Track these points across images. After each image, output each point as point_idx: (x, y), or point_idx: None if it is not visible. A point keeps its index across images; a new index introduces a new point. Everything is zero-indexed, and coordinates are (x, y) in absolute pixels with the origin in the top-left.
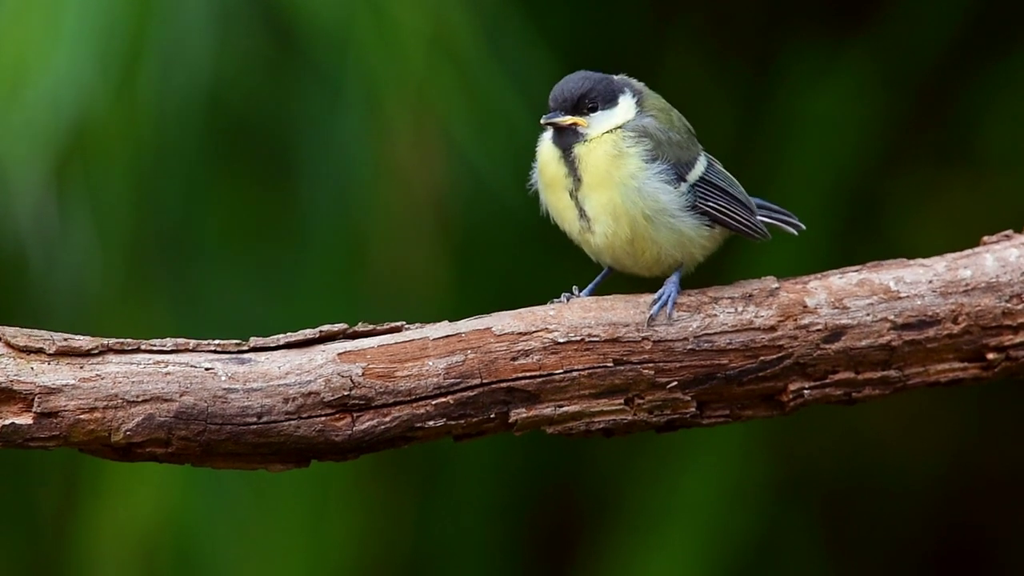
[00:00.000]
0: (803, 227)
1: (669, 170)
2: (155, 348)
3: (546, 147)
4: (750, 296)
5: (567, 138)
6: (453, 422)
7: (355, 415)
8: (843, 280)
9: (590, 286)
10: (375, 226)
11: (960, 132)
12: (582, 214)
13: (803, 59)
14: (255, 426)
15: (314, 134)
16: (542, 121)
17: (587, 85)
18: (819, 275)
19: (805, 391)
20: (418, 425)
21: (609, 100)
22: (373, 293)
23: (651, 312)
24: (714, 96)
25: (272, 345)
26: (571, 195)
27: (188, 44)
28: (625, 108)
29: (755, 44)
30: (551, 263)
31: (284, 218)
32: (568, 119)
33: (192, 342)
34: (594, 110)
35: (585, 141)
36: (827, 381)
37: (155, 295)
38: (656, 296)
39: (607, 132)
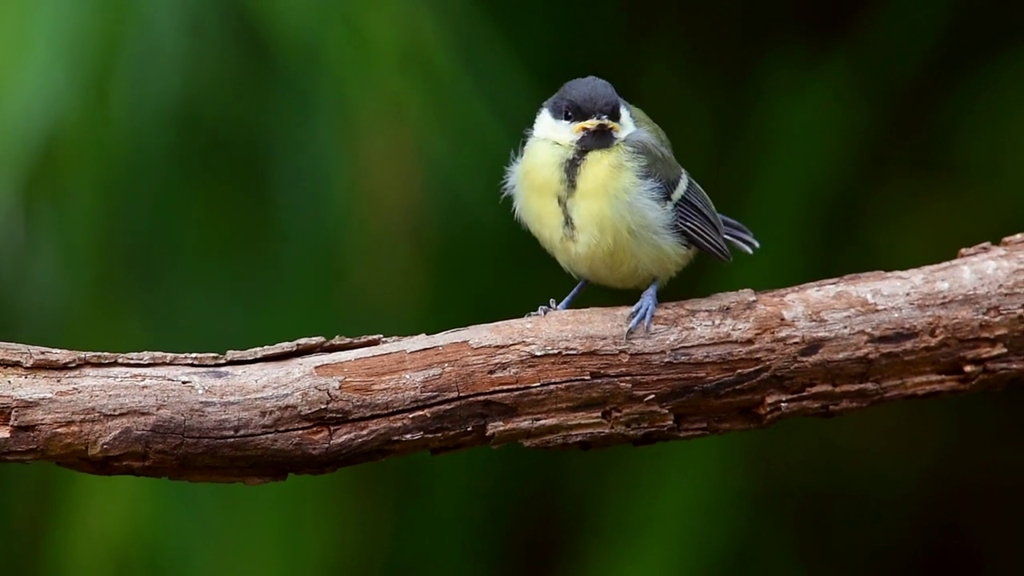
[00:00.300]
0: (757, 245)
1: (660, 188)
2: (132, 361)
3: (544, 150)
4: (727, 309)
5: (593, 142)
6: (430, 435)
7: (332, 428)
8: (820, 293)
9: (567, 299)
10: (350, 239)
11: (938, 143)
12: (568, 222)
13: (781, 70)
14: (232, 439)
15: (287, 147)
16: (592, 123)
17: (614, 93)
18: (796, 288)
19: (782, 404)
20: (395, 438)
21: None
22: (349, 306)
23: (629, 325)
24: (692, 107)
25: (249, 358)
26: (560, 201)
27: (160, 57)
28: (626, 120)
29: (733, 55)
30: (527, 276)
31: (258, 231)
32: (611, 123)
33: (169, 355)
34: (618, 116)
35: (607, 148)
36: (804, 394)
37: (128, 308)
38: (634, 309)
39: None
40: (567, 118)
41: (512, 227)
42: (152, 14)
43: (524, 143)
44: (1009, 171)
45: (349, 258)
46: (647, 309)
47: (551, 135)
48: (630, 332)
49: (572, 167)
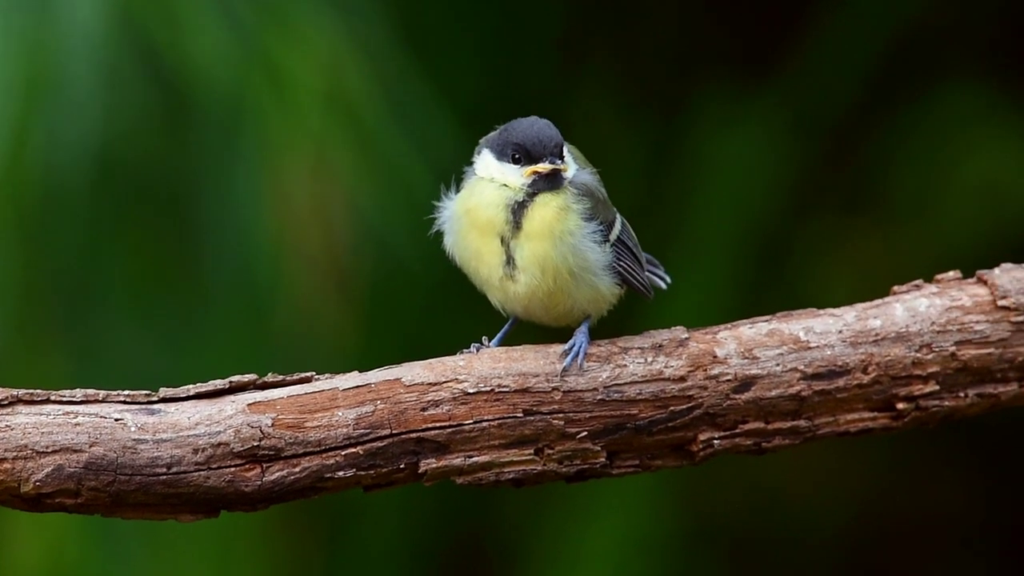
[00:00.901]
0: (669, 280)
1: (601, 230)
2: (64, 399)
3: (490, 190)
4: (660, 346)
5: (544, 185)
6: (363, 472)
7: (265, 465)
8: (753, 330)
9: (499, 336)
10: (274, 280)
11: (867, 179)
12: (509, 261)
13: (713, 104)
14: (165, 476)
15: (210, 189)
16: (545, 167)
17: (559, 133)
18: (729, 325)
19: (715, 441)
20: (327, 475)
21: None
22: (277, 346)
23: (563, 364)
24: (624, 141)
25: (182, 395)
26: (503, 241)
27: (80, 102)
28: (569, 160)
29: (665, 89)
30: (457, 314)
31: (184, 271)
32: (562, 164)
33: (102, 392)
34: (563, 159)
35: (555, 191)
36: (737, 431)
37: (52, 348)
38: (567, 347)
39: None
40: (515, 161)
41: (442, 265)
42: (71, 60)
43: (460, 179)
44: (937, 208)
45: (273, 298)
46: (580, 347)
47: (497, 177)
48: (564, 370)
49: (519, 208)
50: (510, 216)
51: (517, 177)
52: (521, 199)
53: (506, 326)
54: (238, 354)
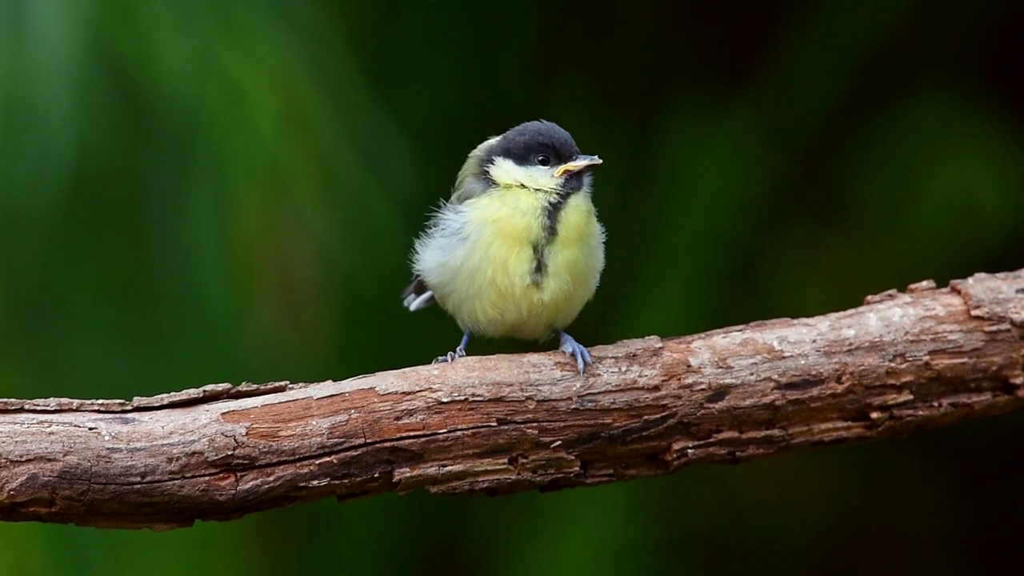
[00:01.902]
0: None
1: (602, 232)
2: (39, 408)
3: (524, 196)
4: (634, 356)
5: (574, 184)
6: (337, 482)
7: (239, 475)
8: (727, 339)
9: (461, 346)
10: (230, 300)
11: (838, 191)
12: (539, 268)
13: (685, 117)
14: (139, 486)
15: (168, 205)
16: (576, 164)
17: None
18: (703, 335)
19: (689, 450)
20: (302, 485)
21: None
22: (237, 364)
23: (580, 367)
24: (597, 152)
25: (156, 404)
26: (536, 249)
27: (50, 122)
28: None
29: (638, 101)
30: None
31: (145, 288)
32: (596, 160)
33: (76, 402)
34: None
35: (576, 193)
36: (711, 440)
37: (16, 360)
38: (569, 352)
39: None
40: (543, 163)
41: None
42: (43, 80)
43: (457, 192)
44: (909, 219)
45: (227, 318)
46: (581, 349)
47: (527, 182)
48: (587, 366)
49: (554, 213)
50: (546, 221)
51: (548, 179)
52: (554, 201)
53: (465, 338)
54: (198, 369)
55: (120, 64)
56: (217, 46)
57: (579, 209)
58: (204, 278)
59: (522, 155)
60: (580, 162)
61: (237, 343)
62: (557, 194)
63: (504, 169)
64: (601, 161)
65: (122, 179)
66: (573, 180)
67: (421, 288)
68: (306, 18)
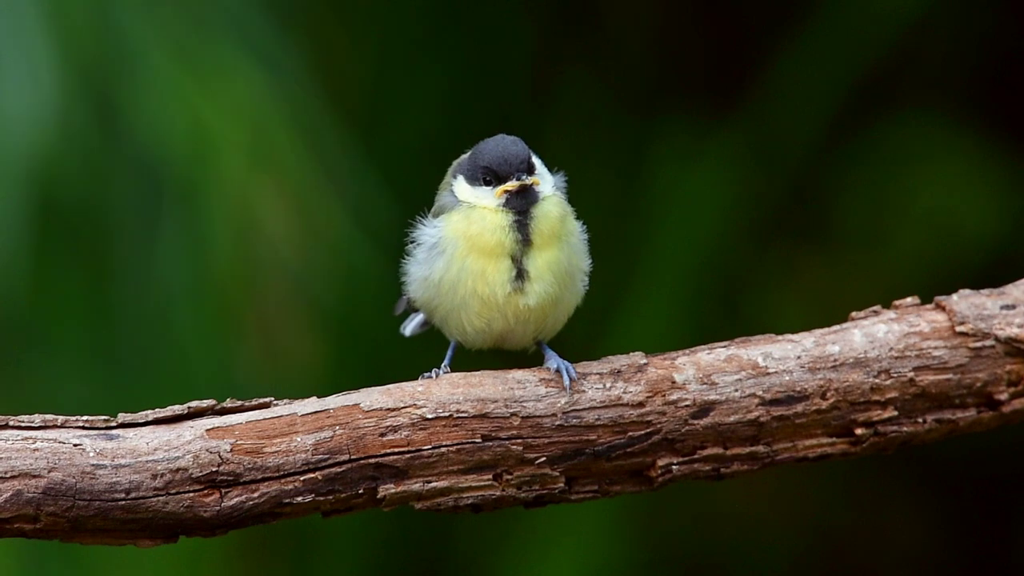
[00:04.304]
0: None
1: (586, 229)
2: (23, 424)
3: (488, 214)
4: (618, 372)
5: (520, 201)
6: (321, 498)
7: (223, 491)
8: (711, 356)
9: (446, 361)
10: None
11: (823, 209)
12: (519, 275)
13: (673, 136)
14: (123, 502)
15: (139, 239)
16: (513, 184)
17: (524, 146)
18: (687, 351)
19: (673, 467)
20: (286, 501)
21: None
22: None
23: (565, 383)
24: (585, 173)
25: (140, 421)
26: (513, 260)
27: (25, 147)
28: (543, 170)
29: (627, 120)
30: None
31: (118, 322)
32: (531, 179)
33: (60, 418)
34: (533, 171)
35: (540, 201)
36: (695, 457)
37: None
38: (554, 368)
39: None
40: (486, 183)
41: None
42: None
43: (435, 206)
44: (892, 237)
45: (191, 355)
46: (566, 365)
47: (474, 202)
48: (573, 381)
49: (523, 224)
50: (517, 235)
51: (491, 199)
52: (517, 218)
53: (449, 352)
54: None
55: (94, 97)
56: (184, 81)
57: (549, 215)
58: (176, 316)
59: (471, 175)
60: (511, 184)
61: (212, 379)
62: (514, 211)
63: (461, 188)
64: (530, 183)
65: (99, 210)
66: (516, 198)
67: (415, 310)
68: (274, 50)
